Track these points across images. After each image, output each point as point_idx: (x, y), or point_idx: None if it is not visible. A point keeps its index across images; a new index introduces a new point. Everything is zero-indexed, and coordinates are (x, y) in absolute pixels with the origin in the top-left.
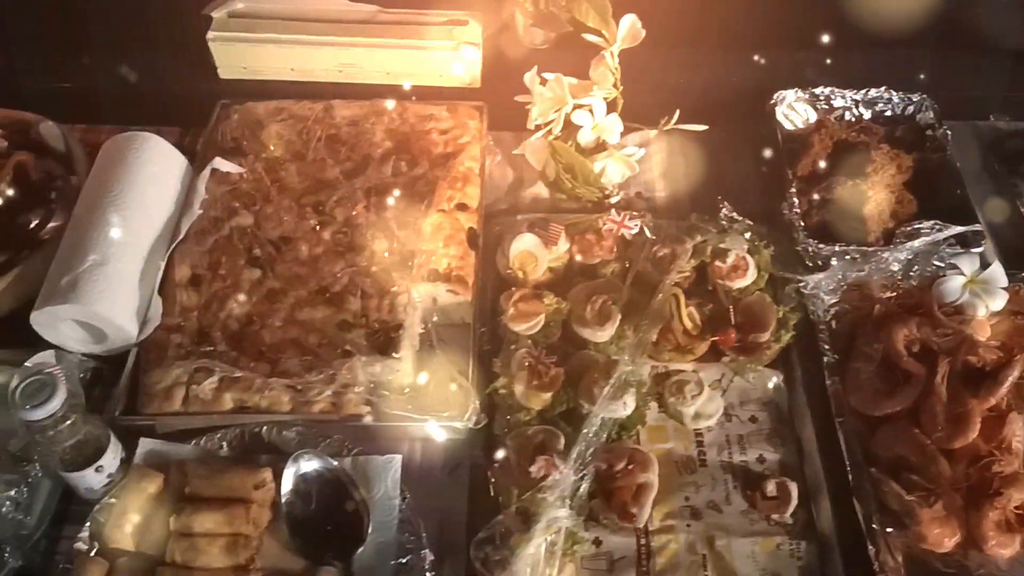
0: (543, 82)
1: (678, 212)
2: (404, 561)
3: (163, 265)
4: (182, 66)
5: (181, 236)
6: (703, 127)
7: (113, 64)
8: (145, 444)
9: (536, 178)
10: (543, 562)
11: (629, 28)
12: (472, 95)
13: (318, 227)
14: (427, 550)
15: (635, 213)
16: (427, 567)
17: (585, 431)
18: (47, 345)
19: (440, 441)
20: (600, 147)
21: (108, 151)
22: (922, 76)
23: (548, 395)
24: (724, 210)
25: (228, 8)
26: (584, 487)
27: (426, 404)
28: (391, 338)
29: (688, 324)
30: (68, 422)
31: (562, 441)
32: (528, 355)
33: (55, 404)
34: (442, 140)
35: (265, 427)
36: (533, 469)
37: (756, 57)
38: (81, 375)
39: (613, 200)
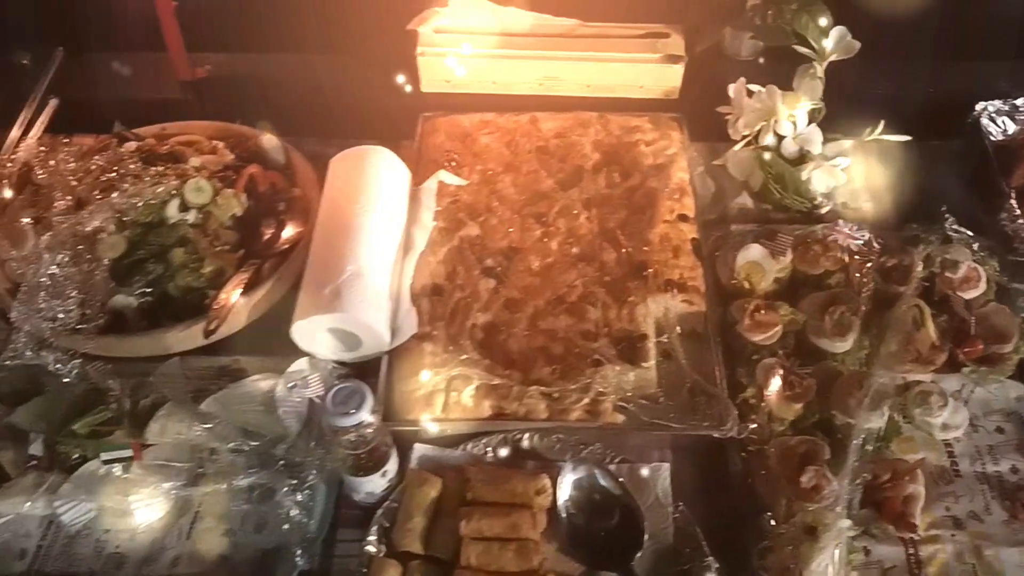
0: (749, 94)
1: (886, 223)
2: (686, 568)
3: (408, 275)
4: (378, 80)
5: (419, 247)
6: (906, 137)
7: (310, 77)
8: (419, 449)
9: (740, 188)
10: (832, 572)
11: (839, 40)
12: (664, 106)
13: (544, 238)
14: (711, 558)
15: (859, 224)
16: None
17: (855, 442)
18: (297, 353)
19: (694, 450)
20: (801, 158)
21: (342, 164)
22: None
23: (799, 405)
24: (948, 221)
25: (432, 24)
26: (857, 497)
27: (675, 413)
28: (637, 348)
29: (933, 335)
30: (369, 429)
31: (827, 451)
32: (779, 365)
33: (365, 412)
34: (649, 151)
35: (527, 434)
36: (804, 479)
37: (951, 68)
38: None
39: (823, 211)
